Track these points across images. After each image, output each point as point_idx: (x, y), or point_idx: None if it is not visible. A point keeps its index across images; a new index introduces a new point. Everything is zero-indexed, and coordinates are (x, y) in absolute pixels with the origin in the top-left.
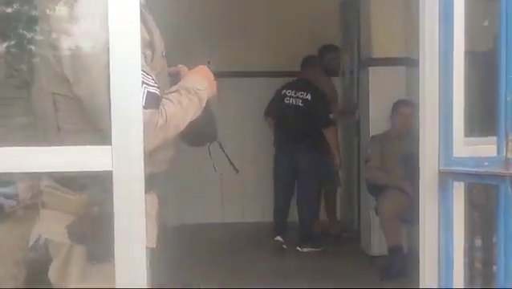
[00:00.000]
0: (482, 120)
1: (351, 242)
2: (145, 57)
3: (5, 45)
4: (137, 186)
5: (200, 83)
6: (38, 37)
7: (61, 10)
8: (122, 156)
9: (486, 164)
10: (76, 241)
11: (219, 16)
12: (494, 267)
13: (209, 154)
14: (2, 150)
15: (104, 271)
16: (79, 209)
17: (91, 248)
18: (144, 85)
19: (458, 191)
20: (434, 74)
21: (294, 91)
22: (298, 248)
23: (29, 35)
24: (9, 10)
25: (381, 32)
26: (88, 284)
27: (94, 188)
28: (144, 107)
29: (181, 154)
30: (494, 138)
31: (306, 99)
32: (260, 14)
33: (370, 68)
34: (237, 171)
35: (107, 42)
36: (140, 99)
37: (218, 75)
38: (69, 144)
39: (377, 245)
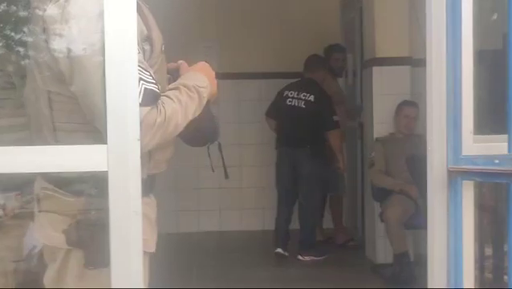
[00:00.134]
0: (492, 118)
1: (355, 250)
2: (144, 52)
3: None
4: (133, 187)
5: (201, 80)
6: (32, 35)
7: (55, 8)
8: (118, 156)
9: (497, 162)
10: (74, 245)
11: (218, 16)
12: (505, 277)
13: (208, 155)
14: None
15: (102, 277)
16: (77, 212)
17: (88, 253)
18: (142, 82)
19: (468, 190)
20: (442, 71)
21: (296, 92)
22: (299, 256)
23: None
24: None
25: (385, 31)
26: None
27: (92, 190)
28: (141, 105)
29: (177, 159)
30: (505, 136)
31: (309, 100)
32: (260, 14)
33: (373, 68)
34: (226, 176)
35: (103, 38)
36: (136, 97)
37: (217, 77)
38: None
39: (383, 252)
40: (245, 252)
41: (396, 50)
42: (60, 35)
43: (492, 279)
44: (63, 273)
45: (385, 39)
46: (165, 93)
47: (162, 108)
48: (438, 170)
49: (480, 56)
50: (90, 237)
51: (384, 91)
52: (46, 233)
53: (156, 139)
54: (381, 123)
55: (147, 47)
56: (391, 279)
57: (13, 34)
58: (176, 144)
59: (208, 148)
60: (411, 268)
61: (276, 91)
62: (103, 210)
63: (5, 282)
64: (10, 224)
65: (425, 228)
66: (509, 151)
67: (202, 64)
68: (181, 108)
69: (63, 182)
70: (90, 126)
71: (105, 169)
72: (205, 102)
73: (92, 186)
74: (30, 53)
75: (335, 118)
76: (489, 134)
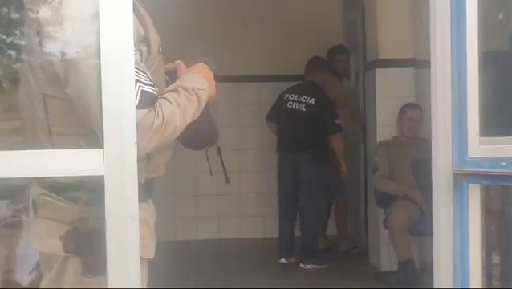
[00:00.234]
0: (499, 120)
1: (358, 258)
2: (141, 53)
3: None
4: (130, 192)
5: (200, 82)
6: (26, 37)
7: (49, 10)
8: (114, 160)
9: (504, 164)
10: (71, 252)
11: (217, 16)
12: None
13: (207, 158)
14: None
15: (100, 285)
16: (75, 218)
17: (86, 260)
18: (139, 84)
19: (474, 193)
20: (446, 71)
21: (297, 95)
22: (300, 265)
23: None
24: None
25: (388, 31)
26: None
27: (89, 195)
28: (138, 107)
29: (174, 164)
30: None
31: (310, 103)
32: (259, 15)
33: (376, 70)
34: (227, 181)
35: (99, 39)
36: (133, 99)
37: (215, 80)
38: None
39: (387, 260)
40: (245, 260)
41: (399, 52)
42: (54, 37)
43: (500, 287)
44: (60, 281)
45: (388, 40)
46: (163, 95)
47: (160, 111)
48: (443, 173)
49: (486, 57)
50: (88, 243)
51: (388, 94)
52: (42, 240)
53: (154, 142)
54: (385, 126)
55: (144, 48)
56: (395, 287)
57: (4, 36)
58: (174, 148)
59: (206, 151)
60: (416, 275)
61: (276, 94)
62: (101, 216)
63: None
64: (1, 233)
65: (431, 234)
66: None
67: (201, 65)
68: (180, 111)
69: (60, 188)
70: (86, 129)
71: (101, 174)
72: (204, 104)
73: (89, 191)
74: (24, 56)
75: (337, 121)
76: (495, 136)
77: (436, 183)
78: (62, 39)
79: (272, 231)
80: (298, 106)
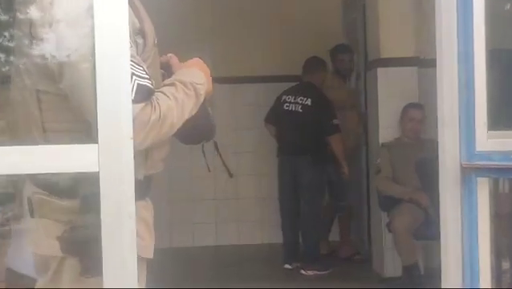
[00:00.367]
0: (507, 113)
1: (361, 264)
2: (136, 46)
3: None
4: (127, 189)
5: (197, 76)
6: (19, 34)
7: (42, 5)
8: (110, 156)
9: None
10: (69, 253)
11: (217, 16)
12: None
13: (203, 154)
14: None
15: (99, 285)
16: (72, 216)
17: (84, 260)
18: (134, 77)
19: (483, 188)
20: (454, 63)
21: (293, 97)
22: (301, 271)
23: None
24: None
25: (390, 29)
26: None
27: (87, 193)
28: (134, 102)
29: (169, 168)
30: None
31: (306, 104)
32: (258, 14)
33: (378, 69)
34: (231, 175)
35: (93, 32)
36: (129, 93)
37: (212, 81)
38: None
39: (391, 265)
40: (243, 267)
41: (402, 50)
42: (48, 32)
43: None
44: (58, 283)
45: (390, 38)
46: (160, 89)
47: (157, 105)
48: (451, 167)
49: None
50: (86, 243)
51: (390, 94)
52: (38, 241)
53: (150, 138)
54: (387, 127)
55: (139, 40)
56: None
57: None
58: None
59: (203, 146)
60: (421, 281)
61: (275, 96)
62: (98, 215)
63: None
64: None
65: (436, 238)
66: None
67: (196, 60)
68: (177, 106)
69: (54, 186)
70: (81, 125)
71: (96, 170)
72: (202, 100)
73: (86, 189)
74: (16, 53)
75: (335, 122)
76: (503, 130)
77: (443, 178)
78: (57, 31)
79: (271, 237)
80: (295, 107)
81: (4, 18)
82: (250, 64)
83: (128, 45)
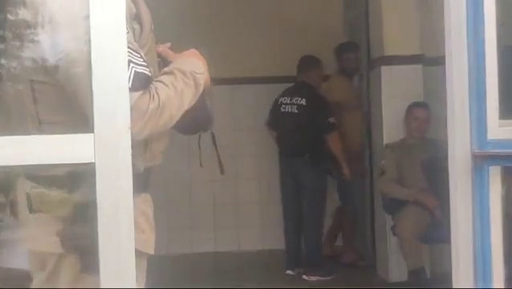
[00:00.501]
0: None
1: (366, 267)
2: (133, 32)
3: None
4: (124, 181)
5: (197, 65)
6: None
7: None
8: (106, 147)
9: None
10: (70, 249)
11: (216, 16)
12: None
13: (199, 145)
14: None
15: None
16: (72, 211)
17: (85, 256)
18: (132, 64)
19: (495, 178)
20: (463, 50)
21: (289, 98)
22: (304, 277)
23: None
24: None
25: (394, 26)
26: None
27: (85, 186)
28: (132, 90)
29: (166, 172)
30: None
31: (301, 104)
32: (259, 14)
33: (382, 68)
34: (222, 172)
35: (89, 19)
36: (126, 81)
37: (211, 83)
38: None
39: (396, 270)
40: (243, 274)
41: (406, 48)
42: (43, 23)
43: None
44: (55, 281)
45: (394, 35)
46: (158, 78)
47: (155, 94)
48: (461, 156)
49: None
50: (87, 239)
51: (394, 93)
52: (36, 237)
53: (148, 128)
54: (391, 128)
55: (136, 26)
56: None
57: None
58: (166, 152)
59: (199, 136)
60: (427, 285)
61: (275, 97)
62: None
63: None
64: None
65: (443, 241)
66: None
67: (192, 51)
68: (176, 96)
69: (50, 180)
70: (77, 116)
71: (92, 161)
72: (201, 90)
73: (85, 182)
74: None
75: (332, 120)
76: None
77: (454, 166)
78: (51, 18)
79: (272, 243)
80: (291, 108)
81: None
82: (250, 65)
83: (125, 31)
